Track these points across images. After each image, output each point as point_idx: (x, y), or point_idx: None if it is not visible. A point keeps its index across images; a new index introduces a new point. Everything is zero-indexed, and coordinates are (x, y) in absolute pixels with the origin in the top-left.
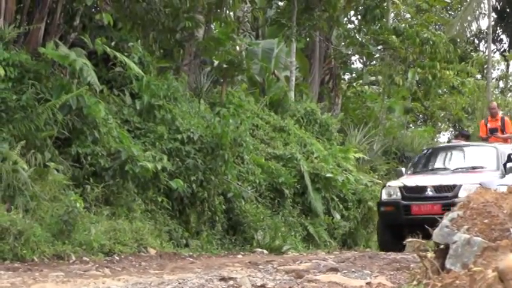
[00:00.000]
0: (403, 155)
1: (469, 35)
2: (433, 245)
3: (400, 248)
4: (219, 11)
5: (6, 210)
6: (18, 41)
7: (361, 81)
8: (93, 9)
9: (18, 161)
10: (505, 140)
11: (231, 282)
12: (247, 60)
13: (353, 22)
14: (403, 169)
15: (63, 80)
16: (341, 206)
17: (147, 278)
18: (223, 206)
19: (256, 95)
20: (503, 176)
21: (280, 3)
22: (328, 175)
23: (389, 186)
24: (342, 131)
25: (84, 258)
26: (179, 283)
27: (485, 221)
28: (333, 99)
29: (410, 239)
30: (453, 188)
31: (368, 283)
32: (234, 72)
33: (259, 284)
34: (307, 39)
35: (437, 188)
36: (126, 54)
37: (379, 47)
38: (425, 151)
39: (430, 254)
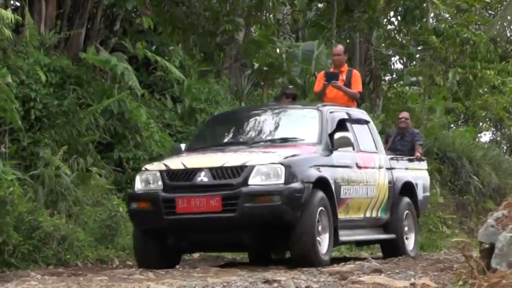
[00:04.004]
0: (444, 156)
1: (509, 34)
2: (478, 245)
3: (172, 263)
4: (259, 13)
5: (49, 215)
6: (59, 46)
7: (401, 82)
8: (134, 14)
9: (60, 166)
10: (348, 100)
11: (275, 284)
12: (287, 62)
13: (393, 23)
14: (183, 145)
15: (105, 84)
16: None
17: (191, 281)
18: None
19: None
20: (328, 152)
21: (320, 5)
22: None
23: (146, 170)
24: (383, 132)
25: (128, 262)
26: (223, 286)
27: None
28: (373, 101)
29: (456, 239)
30: (241, 172)
31: (412, 284)
32: (274, 74)
33: (303, 286)
34: (347, 40)
35: (216, 172)
36: (166, 58)
37: (419, 48)
38: (216, 116)
39: (475, 254)
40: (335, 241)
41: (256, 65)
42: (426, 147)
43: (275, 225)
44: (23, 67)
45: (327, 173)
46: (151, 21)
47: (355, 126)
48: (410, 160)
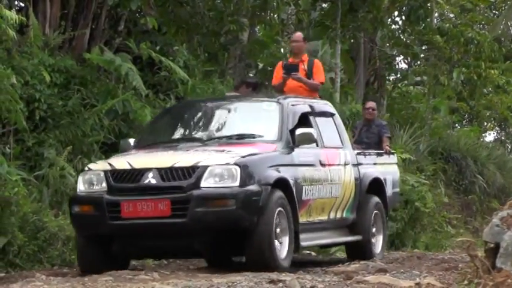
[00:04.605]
0: (449, 155)
1: None
2: (483, 244)
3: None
4: (263, 13)
5: (54, 215)
6: (64, 46)
7: (406, 81)
8: (138, 14)
9: (65, 167)
10: (310, 91)
11: (280, 284)
12: None
13: (397, 23)
14: (132, 140)
15: (109, 85)
16: None
17: (196, 281)
18: None
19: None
20: (288, 150)
21: (324, 5)
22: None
23: (89, 169)
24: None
25: (133, 262)
26: (228, 286)
27: None
28: (378, 100)
29: (460, 238)
30: (192, 173)
31: (417, 283)
32: None
33: (308, 286)
34: (352, 40)
35: (165, 173)
36: (171, 58)
37: (423, 47)
38: (168, 109)
39: (480, 253)
40: (296, 247)
41: (260, 65)
42: (431, 147)
43: (230, 232)
44: (27, 68)
45: (287, 173)
46: (156, 22)
47: (319, 120)
48: (379, 154)
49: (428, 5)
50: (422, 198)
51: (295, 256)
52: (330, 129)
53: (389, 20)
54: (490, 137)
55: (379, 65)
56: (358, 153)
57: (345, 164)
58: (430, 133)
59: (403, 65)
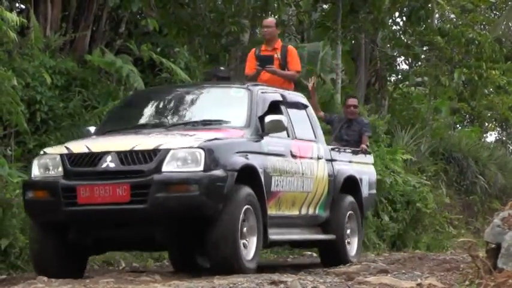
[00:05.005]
0: (450, 156)
1: None
2: (485, 244)
3: (76, 266)
4: (264, 15)
5: None
6: (65, 48)
7: (407, 82)
8: (139, 16)
9: None
10: (284, 82)
11: (282, 285)
12: None
13: (398, 23)
14: (93, 128)
15: (110, 86)
16: (389, 207)
17: (197, 282)
18: None
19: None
20: (257, 137)
21: (325, 6)
22: (376, 177)
23: (45, 153)
24: (389, 132)
25: (134, 264)
26: (230, 287)
27: None
28: (379, 101)
29: (462, 239)
30: (153, 156)
31: (419, 284)
32: None
33: (310, 287)
34: (353, 41)
35: (125, 157)
36: (172, 59)
37: (424, 48)
38: (131, 96)
39: (481, 254)
40: (264, 241)
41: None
42: (432, 148)
43: (192, 219)
44: (28, 69)
45: (255, 160)
46: (157, 23)
47: (291, 111)
48: (355, 152)
49: (429, 5)
50: (424, 199)
51: (295, 257)
52: (302, 121)
53: (390, 20)
54: (491, 137)
55: (380, 66)
56: (333, 149)
57: (318, 158)
58: (431, 134)
59: (404, 66)
